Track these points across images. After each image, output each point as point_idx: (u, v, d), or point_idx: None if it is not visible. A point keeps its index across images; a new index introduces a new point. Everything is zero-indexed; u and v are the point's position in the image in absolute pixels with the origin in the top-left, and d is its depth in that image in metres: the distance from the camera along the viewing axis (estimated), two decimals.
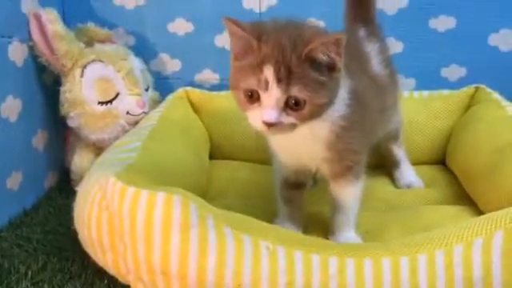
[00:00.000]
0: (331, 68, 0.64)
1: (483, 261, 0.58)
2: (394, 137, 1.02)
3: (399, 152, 1.04)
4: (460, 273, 0.58)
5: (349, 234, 0.78)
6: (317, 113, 0.65)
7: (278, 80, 0.62)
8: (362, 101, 0.73)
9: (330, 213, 0.80)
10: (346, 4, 0.92)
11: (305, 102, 0.63)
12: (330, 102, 0.66)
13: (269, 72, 0.62)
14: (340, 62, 0.64)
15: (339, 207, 0.78)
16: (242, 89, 0.65)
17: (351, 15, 0.92)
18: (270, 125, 0.63)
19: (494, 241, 0.58)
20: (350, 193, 0.77)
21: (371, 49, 0.86)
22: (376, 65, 0.85)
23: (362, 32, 0.89)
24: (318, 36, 0.62)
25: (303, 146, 0.72)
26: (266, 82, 0.62)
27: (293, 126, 0.65)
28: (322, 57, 0.62)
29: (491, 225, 0.60)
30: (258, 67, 0.62)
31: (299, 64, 0.62)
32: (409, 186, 1.02)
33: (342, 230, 0.79)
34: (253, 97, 0.64)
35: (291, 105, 0.63)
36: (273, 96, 0.62)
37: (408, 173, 1.04)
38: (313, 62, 0.62)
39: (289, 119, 0.64)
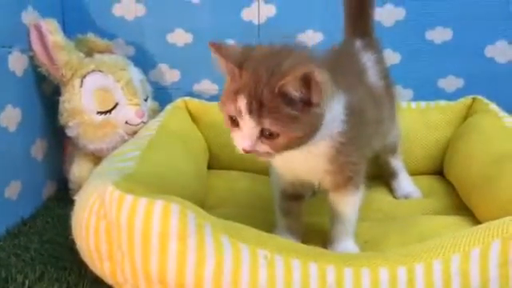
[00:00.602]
0: (307, 102, 0.62)
1: (480, 270, 0.58)
2: (392, 150, 1.03)
3: (397, 163, 1.05)
4: (457, 282, 0.58)
5: (347, 244, 0.78)
6: (293, 144, 0.65)
7: (250, 111, 0.62)
8: (359, 113, 0.73)
9: (330, 223, 0.80)
10: (344, 16, 0.93)
11: (278, 134, 0.63)
12: (309, 135, 0.65)
13: (242, 103, 0.63)
14: (317, 97, 0.62)
15: (338, 217, 0.78)
16: (226, 113, 0.67)
17: (349, 27, 0.92)
18: (246, 151, 0.65)
19: (491, 250, 0.59)
20: (349, 203, 0.78)
21: (367, 60, 0.86)
22: (372, 76, 0.85)
23: (358, 43, 0.89)
24: (291, 70, 0.61)
25: (304, 162, 0.72)
26: (240, 112, 0.63)
27: (270, 155, 0.66)
28: (293, 92, 0.61)
29: (488, 234, 0.60)
30: (235, 96, 0.63)
31: (272, 98, 0.61)
32: (406, 197, 1.02)
33: (340, 240, 0.79)
34: (234, 121, 0.66)
35: (266, 135, 0.64)
36: (247, 125, 0.64)
37: (406, 183, 1.04)
38: (285, 97, 0.62)
39: (264, 148, 0.65)
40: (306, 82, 0.60)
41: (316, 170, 0.74)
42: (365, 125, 0.76)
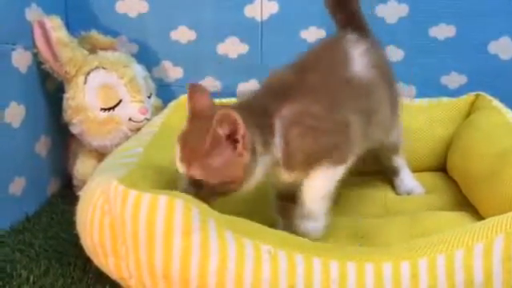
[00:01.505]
0: (234, 152, 0.66)
1: (484, 265, 0.58)
2: (394, 149, 1.02)
3: (399, 161, 1.04)
4: (461, 277, 0.58)
5: (306, 224, 0.77)
6: (219, 192, 0.69)
7: (180, 159, 0.67)
8: (315, 112, 0.73)
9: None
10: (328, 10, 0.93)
11: (202, 182, 0.67)
12: (234, 184, 0.68)
13: (177, 150, 0.68)
14: (241, 145, 0.65)
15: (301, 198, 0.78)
16: None
17: (336, 20, 0.93)
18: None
19: (494, 245, 0.59)
20: (310, 186, 0.76)
21: (353, 51, 0.84)
22: (358, 66, 0.82)
23: (344, 36, 0.88)
24: (218, 113, 0.64)
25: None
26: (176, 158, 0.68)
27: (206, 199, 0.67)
28: (222, 137, 0.65)
29: (492, 229, 0.60)
30: (177, 142, 0.69)
31: (200, 147, 0.66)
32: (409, 193, 1.02)
33: (300, 221, 0.78)
34: None
35: (194, 183, 0.67)
36: (180, 172, 0.68)
37: (408, 179, 1.04)
38: (214, 145, 0.65)
39: (195, 194, 0.67)
40: (232, 128, 0.64)
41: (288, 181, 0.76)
42: (328, 116, 0.75)
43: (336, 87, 0.78)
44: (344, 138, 0.76)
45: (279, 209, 0.83)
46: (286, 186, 0.79)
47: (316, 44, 0.89)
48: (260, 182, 0.72)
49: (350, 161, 0.78)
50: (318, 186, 0.76)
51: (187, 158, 0.67)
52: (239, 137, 0.65)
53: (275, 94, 0.74)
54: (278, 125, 0.72)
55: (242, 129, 0.64)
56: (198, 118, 0.69)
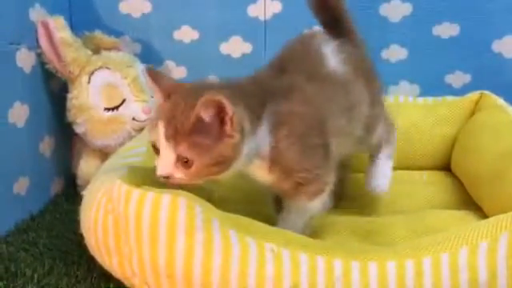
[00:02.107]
0: (220, 132, 0.64)
1: (488, 264, 0.58)
2: (377, 148, 0.93)
3: (381, 155, 0.93)
4: (465, 276, 0.58)
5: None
6: (208, 172, 0.66)
7: (166, 137, 0.64)
8: (299, 114, 0.72)
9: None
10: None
11: (192, 161, 0.64)
12: (224, 163, 0.66)
13: (161, 128, 0.64)
14: (230, 127, 0.63)
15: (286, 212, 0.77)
16: (150, 140, 0.68)
17: (317, 19, 0.90)
18: (164, 177, 0.65)
19: (499, 243, 0.59)
20: (296, 210, 0.76)
21: (325, 48, 0.83)
22: (333, 63, 0.81)
23: (318, 34, 0.87)
24: (203, 99, 0.62)
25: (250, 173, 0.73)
26: (159, 137, 0.65)
27: (185, 182, 0.66)
28: (207, 119, 0.63)
29: (496, 227, 0.60)
30: (156, 122, 0.66)
31: (187, 125, 0.63)
32: (374, 189, 0.92)
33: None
34: (156, 149, 0.67)
35: (181, 162, 0.64)
36: (164, 151, 0.65)
37: (379, 174, 0.93)
38: (202, 125, 0.63)
39: (180, 175, 0.65)
40: (217, 110, 0.62)
41: (262, 181, 0.74)
42: (312, 119, 0.73)
43: (316, 85, 0.77)
44: (326, 163, 0.74)
45: (277, 209, 0.83)
46: (265, 187, 0.77)
47: (288, 43, 0.86)
48: (243, 165, 0.69)
49: (329, 189, 0.76)
50: (295, 220, 0.76)
51: (174, 136, 0.63)
52: (227, 118, 0.63)
53: (262, 87, 0.73)
54: (267, 119, 0.70)
55: (230, 110, 0.62)
56: (176, 96, 0.66)
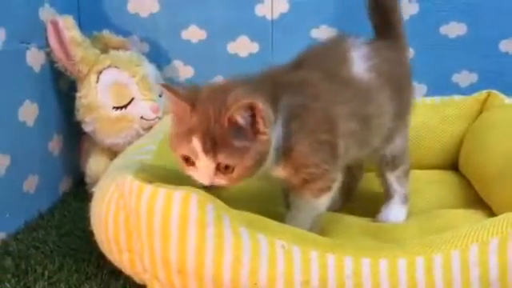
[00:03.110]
0: (254, 132, 0.65)
1: (499, 261, 0.58)
2: (391, 163, 0.89)
3: (394, 182, 0.90)
4: (476, 273, 0.58)
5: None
6: (248, 173, 0.67)
7: (205, 151, 0.64)
8: (311, 109, 0.72)
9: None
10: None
11: (234, 166, 0.66)
12: (260, 162, 0.67)
13: (196, 143, 0.65)
14: (262, 125, 0.65)
15: (293, 211, 0.78)
16: (179, 154, 0.68)
17: (371, 19, 0.90)
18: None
19: (509, 240, 0.58)
20: (303, 207, 0.76)
21: (353, 53, 0.81)
22: (358, 68, 0.80)
23: (350, 39, 0.84)
24: (235, 102, 0.63)
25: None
26: (196, 152, 0.65)
27: (228, 185, 0.67)
28: (240, 121, 0.64)
29: (506, 224, 0.60)
30: (188, 137, 0.65)
31: (223, 132, 0.64)
32: (386, 222, 0.90)
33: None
34: (189, 161, 0.67)
35: (222, 169, 0.66)
36: (202, 164, 0.66)
37: (395, 209, 0.90)
38: (235, 128, 0.64)
39: (221, 181, 0.67)
40: (251, 111, 0.63)
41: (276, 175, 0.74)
42: (323, 114, 0.73)
43: (332, 85, 0.76)
44: (333, 160, 0.74)
45: (288, 204, 0.83)
46: (277, 183, 0.78)
47: (317, 43, 0.87)
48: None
49: (335, 188, 0.77)
50: (303, 218, 0.76)
51: (212, 148, 0.64)
52: (259, 117, 0.64)
53: (276, 81, 0.73)
54: (281, 112, 0.71)
55: (261, 109, 0.63)
56: (202, 106, 0.66)
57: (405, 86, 0.88)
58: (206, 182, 0.66)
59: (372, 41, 0.86)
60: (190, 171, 0.68)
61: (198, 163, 0.66)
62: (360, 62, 0.80)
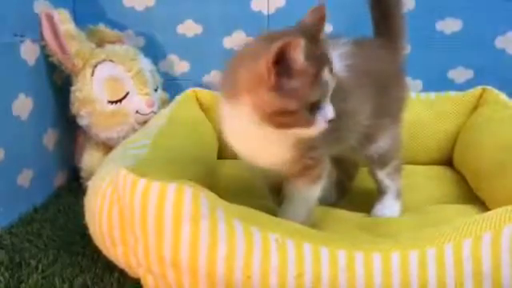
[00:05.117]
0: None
1: (492, 255, 0.58)
2: (380, 162, 0.89)
3: (385, 179, 0.90)
4: (469, 267, 0.58)
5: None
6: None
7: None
8: None
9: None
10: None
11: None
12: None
13: (327, 72, 0.67)
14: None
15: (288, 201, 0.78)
16: (307, 103, 0.66)
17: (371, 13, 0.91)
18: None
19: (502, 235, 0.58)
20: (301, 193, 0.77)
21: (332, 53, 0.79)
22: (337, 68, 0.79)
23: (332, 38, 0.84)
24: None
25: (264, 149, 0.73)
26: (327, 83, 0.67)
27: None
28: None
29: (500, 219, 0.60)
30: (316, 78, 0.66)
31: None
32: (379, 217, 0.90)
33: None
34: (314, 106, 0.67)
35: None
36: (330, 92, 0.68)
37: (389, 204, 0.91)
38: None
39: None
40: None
41: (275, 158, 0.74)
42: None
43: None
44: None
45: (276, 200, 0.83)
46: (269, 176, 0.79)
47: None
48: None
49: (325, 176, 0.78)
50: (296, 210, 0.77)
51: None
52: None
53: None
54: None
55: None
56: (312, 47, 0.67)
57: (392, 85, 0.87)
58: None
59: (359, 40, 0.85)
60: (311, 122, 0.67)
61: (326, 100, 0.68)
62: (336, 62, 0.79)
